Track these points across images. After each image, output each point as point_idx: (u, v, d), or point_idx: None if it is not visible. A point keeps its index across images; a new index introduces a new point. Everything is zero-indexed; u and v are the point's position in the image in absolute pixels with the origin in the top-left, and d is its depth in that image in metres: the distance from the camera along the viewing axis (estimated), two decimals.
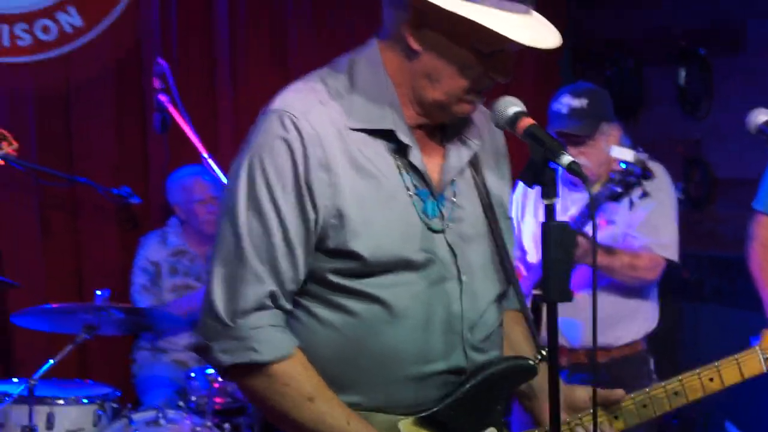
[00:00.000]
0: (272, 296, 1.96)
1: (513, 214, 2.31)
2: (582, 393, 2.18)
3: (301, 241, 1.95)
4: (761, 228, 3.42)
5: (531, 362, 2.10)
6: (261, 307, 1.95)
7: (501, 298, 2.17)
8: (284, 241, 1.94)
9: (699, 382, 2.13)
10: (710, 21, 5.32)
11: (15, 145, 4.00)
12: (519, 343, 2.25)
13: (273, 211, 1.94)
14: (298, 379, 1.95)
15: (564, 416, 2.11)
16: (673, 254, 3.66)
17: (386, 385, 2.01)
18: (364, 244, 1.95)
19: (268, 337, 1.94)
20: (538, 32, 1.95)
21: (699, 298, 5.19)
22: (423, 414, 2.03)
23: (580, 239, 3.21)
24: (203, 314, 1.99)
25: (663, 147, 5.45)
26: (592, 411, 2.08)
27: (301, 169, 1.93)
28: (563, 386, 2.14)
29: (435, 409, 2.03)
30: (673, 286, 5.11)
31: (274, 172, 1.94)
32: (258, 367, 1.94)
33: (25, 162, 4.44)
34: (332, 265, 1.98)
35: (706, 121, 5.31)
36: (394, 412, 2.02)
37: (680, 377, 2.14)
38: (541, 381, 2.12)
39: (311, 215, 1.94)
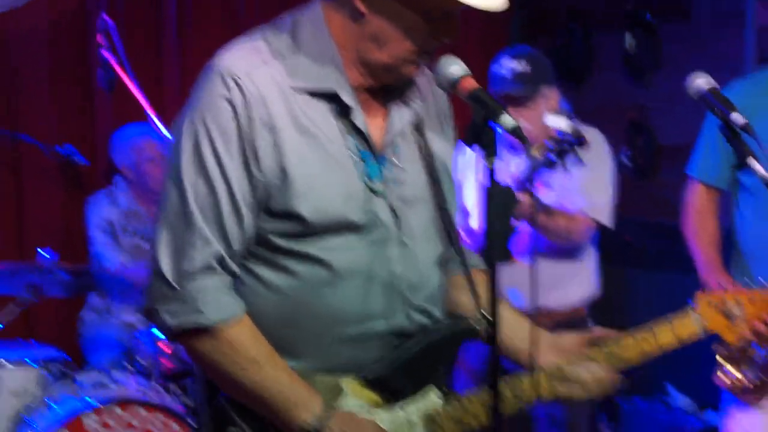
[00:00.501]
0: (219, 258, 1.95)
1: (456, 177, 2.32)
2: (569, 337, 2.20)
3: (248, 201, 1.95)
4: (695, 194, 3.42)
5: (473, 324, 2.11)
6: (208, 270, 1.94)
7: (444, 260, 2.18)
8: (230, 202, 1.94)
9: (635, 344, 2.15)
10: None
11: None
12: (465, 306, 2.24)
13: (218, 172, 1.93)
14: (243, 342, 1.96)
15: (553, 359, 2.16)
16: (606, 218, 3.71)
17: (329, 346, 2.02)
18: (307, 205, 1.95)
19: (215, 300, 1.94)
20: None
21: (642, 264, 5.27)
22: (366, 374, 2.05)
23: (522, 196, 3.24)
24: (149, 277, 1.98)
25: (610, 113, 5.51)
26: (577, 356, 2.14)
27: (245, 129, 1.93)
28: (548, 335, 2.20)
29: (378, 369, 2.05)
30: (616, 251, 5.19)
31: (218, 132, 1.93)
32: (204, 330, 1.94)
33: None
34: (275, 226, 1.98)
35: (653, 87, 5.36)
36: (338, 372, 2.03)
37: (618, 339, 2.16)
38: (523, 333, 2.17)
39: (256, 174, 1.94)
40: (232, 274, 1.99)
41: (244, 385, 1.97)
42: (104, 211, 4.64)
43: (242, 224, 1.95)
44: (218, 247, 1.94)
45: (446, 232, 2.15)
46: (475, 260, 2.28)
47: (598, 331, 2.19)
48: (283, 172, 1.94)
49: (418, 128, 2.14)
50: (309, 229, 1.97)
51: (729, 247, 3.37)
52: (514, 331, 2.18)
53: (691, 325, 2.20)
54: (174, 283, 1.94)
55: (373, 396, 2.05)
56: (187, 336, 1.97)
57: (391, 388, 2.06)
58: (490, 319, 1.88)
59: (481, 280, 2.18)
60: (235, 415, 2.01)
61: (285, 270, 2.00)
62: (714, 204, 3.38)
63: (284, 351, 2.00)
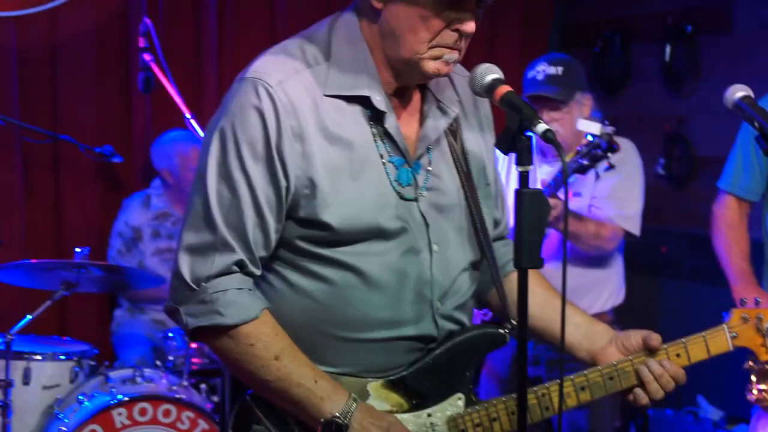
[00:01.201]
0: (239, 263, 1.97)
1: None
2: (636, 337, 2.18)
3: (272, 209, 1.96)
4: (726, 207, 3.40)
5: (500, 331, 2.12)
6: (227, 273, 1.96)
7: (476, 266, 2.17)
8: (254, 210, 1.95)
9: (665, 356, 2.14)
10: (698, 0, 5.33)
11: None
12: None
13: (243, 180, 1.94)
14: (263, 339, 1.96)
15: (618, 356, 2.17)
16: (634, 227, 3.71)
17: (356, 350, 2.03)
18: (334, 214, 1.96)
19: (234, 300, 1.95)
20: None
21: (678, 274, 5.23)
22: (392, 377, 2.05)
23: (554, 201, 3.24)
24: (172, 278, 2.01)
25: (647, 123, 5.48)
26: (626, 358, 2.15)
27: (273, 138, 1.93)
28: (618, 333, 2.21)
29: (404, 373, 2.06)
30: (650, 261, 5.16)
31: (246, 141, 1.94)
32: (224, 329, 1.96)
33: (7, 117, 4.42)
34: (303, 233, 1.99)
35: (692, 99, 5.33)
36: (364, 375, 2.04)
37: (646, 353, 2.15)
38: (593, 334, 2.22)
39: (283, 183, 1.95)
40: (254, 276, 2.00)
41: (267, 380, 1.97)
42: (131, 216, 4.70)
43: (266, 231, 1.97)
44: (239, 252, 1.96)
45: (477, 238, 2.15)
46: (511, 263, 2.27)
47: (656, 336, 2.18)
48: (311, 182, 1.95)
49: (455, 133, 2.14)
50: (337, 237, 1.97)
51: (758, 259, 3.34)
52: (585, 332, 2.22)
53: (724, 341, 2.18)
54: (193, 285, 1.95)
55: (399, 399, 2.06)
56: (207, 335, 1.99)
57: (417, 391, 2.06)
58: (515, 323, 1.90)
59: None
60: (260, 414, 2.02)
61: (314, 275, 2.00)
62: (745, 217, 3.35)
63: (311, 354, 2.00)
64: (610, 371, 2.15)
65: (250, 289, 1.99)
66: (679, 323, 5.39)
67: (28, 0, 4.73)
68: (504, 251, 2.27)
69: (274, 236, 1.98)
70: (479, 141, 2.20)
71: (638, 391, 2.15)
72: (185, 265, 1.97)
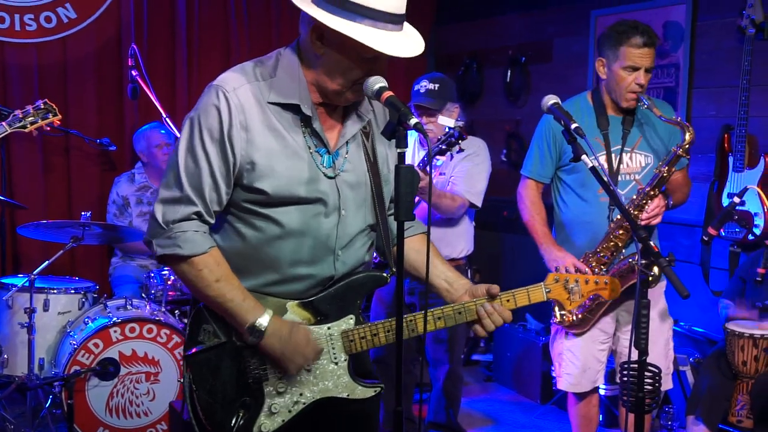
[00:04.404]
0: (197, 213, 1.96)
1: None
2: (482, 289, 2.15)
3: (223, 177, 1.95)
4: (528, 188, 3.30)
5: (383, 275, 2.13)
6: (188, 219, 1.96)
7: (373, 228, 2.17)
8: (210, 177, 1.94)
9: (499, 302, 2.15)
10: (529, 38, 5.41)
11: (59, 116, 3.84)
12: (413, 262, 2.21)
13: (203, 156, 1.93)
14: (209, 267, 1.96)
15: (466, 299, 2.15)
16: (478, 201, 3.70)
17: (277, 278, 2.03)
18: (269, 184, 1.95)
19: (190, 238, 1.95)
20: (401, 44, 1.93)
21: (514, 231, 5.32)
22: (305, 300, 2.06)
23: (423, 175, 3.23)
24: (150, 219, 2.00)
25: (494, 125, 5.55)
26: (482, 299, 2.13)
27: (226, 128, 1.92)
28: (472, 285, 2.18)
29: (313, 298, 2.07)
30: (495, 221, 5.24)
31: (206, 128, 1.93)
32: (182, 258, 1.96)
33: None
34: (247, 196, 1.98)
35: (525, 108, 5.42)
36: (284, 297, 2.05)
37: (487, 298, 2.15)
38: (456, 286, 2.19)
39: (231, 160, 1.94)
40: (208, 224, 1.99)
41: (209, 295, 1.97)
42: (122, 189, 4.60)
43: (219, 192, 1.96)
44: (198, 206, 1.95)
45: (374, 210, 2.14)
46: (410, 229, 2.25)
47: (495, 287, 2.15)
48: (252, 161, 1.94)
49: (368, 135, 2.13)
50: (270, 200, 1.97)
51: (551, 220, 3.34)
52: (450, 283, 2.20)
53: (540, 294, 2.20)
54: (163, 225, 1.95)
55: (308, 315, 2.06)
56: (170, 261, 1.98)
57: (321, 311, 2.07)
58: (394, 271, 1.90)
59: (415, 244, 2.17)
60: (209, 316, 2.03)
61: (250, 224, 2.00)
62: (540, 194, 3.31)
63: (248, 278, 2.01)
64: (459, 308, 2.13)
65: (204, 232, 1.98)
66: (514, 264, 5.52)
67: (45, 30, 4.62)
68: None
69: (224, 197, 1.97)
70: (384, 142, 2.19)
71: (477, 327, 2.14)
72: (159, 211, 1.96)
